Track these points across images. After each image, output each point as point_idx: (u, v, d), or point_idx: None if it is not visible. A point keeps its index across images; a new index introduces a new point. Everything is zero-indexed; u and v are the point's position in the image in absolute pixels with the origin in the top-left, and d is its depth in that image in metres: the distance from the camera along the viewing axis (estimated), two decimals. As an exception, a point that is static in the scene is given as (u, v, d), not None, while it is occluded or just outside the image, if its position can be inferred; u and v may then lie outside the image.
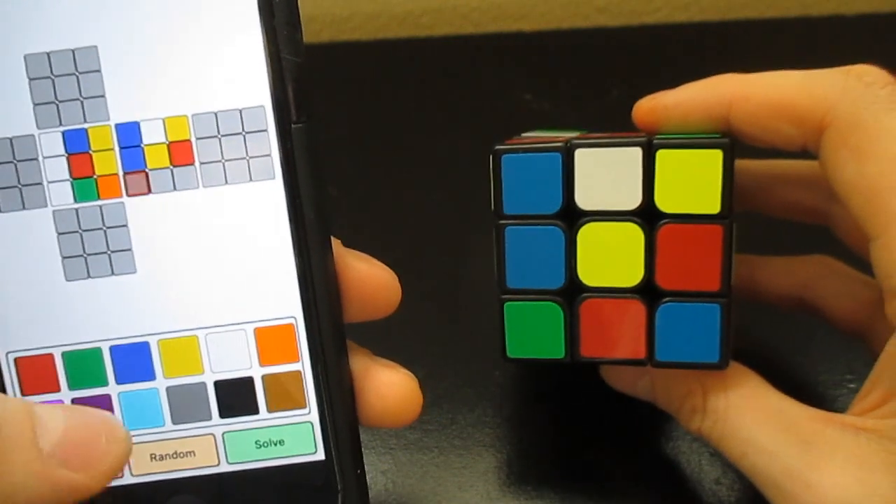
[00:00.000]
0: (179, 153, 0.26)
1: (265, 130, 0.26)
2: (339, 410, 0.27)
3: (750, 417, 0.28)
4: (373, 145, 0.52)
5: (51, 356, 0.27)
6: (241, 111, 0.26)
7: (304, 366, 0.27)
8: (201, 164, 0.26)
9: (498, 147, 0.29)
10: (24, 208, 0.26)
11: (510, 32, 0.62)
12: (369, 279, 0.27)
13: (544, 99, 0.54)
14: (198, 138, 0.26)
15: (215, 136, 0.26)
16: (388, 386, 0.27)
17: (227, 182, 0.26)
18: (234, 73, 0.26)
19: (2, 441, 0.20)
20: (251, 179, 0.26)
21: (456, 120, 0.53)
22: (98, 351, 0.27)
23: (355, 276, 0.27)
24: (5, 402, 0.21)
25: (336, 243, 0.27)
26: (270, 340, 0.27)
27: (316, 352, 0.27)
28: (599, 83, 0.54)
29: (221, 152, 0.26)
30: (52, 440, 0.21)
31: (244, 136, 0.26)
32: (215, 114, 0.26)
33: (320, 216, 0.26)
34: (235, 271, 0.26)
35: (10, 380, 0.27)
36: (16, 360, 0.27)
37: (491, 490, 0.34)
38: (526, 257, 0.29)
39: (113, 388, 0.27)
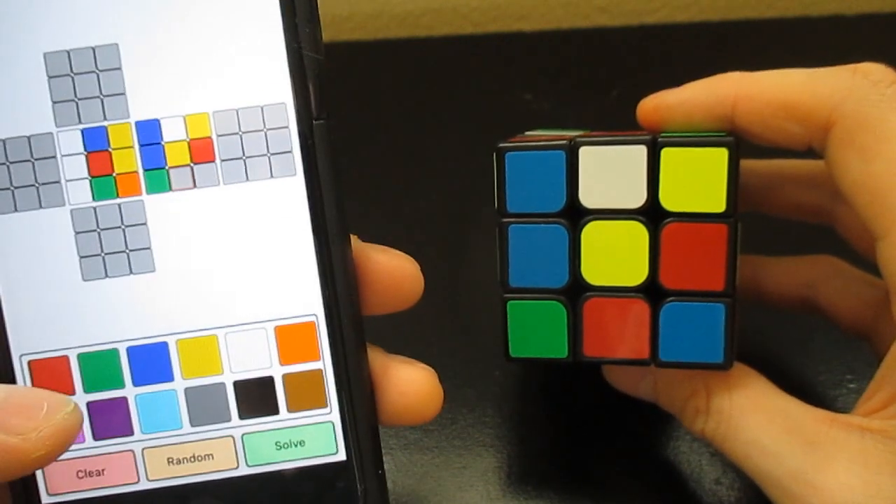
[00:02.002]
0: (200, 150, 0.26)
1: (286, 127, 0.26)
2: (360, 409, 0.27)
3: (754, 419, 0.28)
4: (372, 145, 0.51)
5: (66, 358, 0.26)
6: (262, 108, 0.26)
7: (325, 364, 0.27)
8: (222, 161, 0.26)
9: (502, 145, 0.29)
10: (41, 207, 0.26)
11: (510, 32, 0.62)
12: (391, 270, 0.27)
13: (544, 99, 0.54)
14: (219, 135, 0.26)
15: (236, 133, 0.26)
16: (409, 382, 0.27)
17: (247, 179, 0.26)
18: (256, 71, 0.25)
19: None
20: (272, 176, 0.26)
21: (456, 120, 0.53)
22: (115, 352, 0.26)
23: (376, 268, 0.27)
24: None
25: (354, 238, 0.27)
26: (291, 339, 0.27)
27: (337, 350, 0.26)
28: (599, 83, 0.54)
29: (242, 149, 0.26)
30: None
31: (265, 133, 0.26)
32: (236, 111, 0.26)
33: (340, 213, 0.26)
34: (256, 269, 0.26)
35: (23, 383, 0.26)
36: (29, 362, 0.26)
37: (491, 490, 0.34)
38: (529, 256, 0.29)
39: (129, 391, 0.27)
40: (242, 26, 0.25)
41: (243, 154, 0.26)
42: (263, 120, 0.26)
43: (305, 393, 0.27)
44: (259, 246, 0.26)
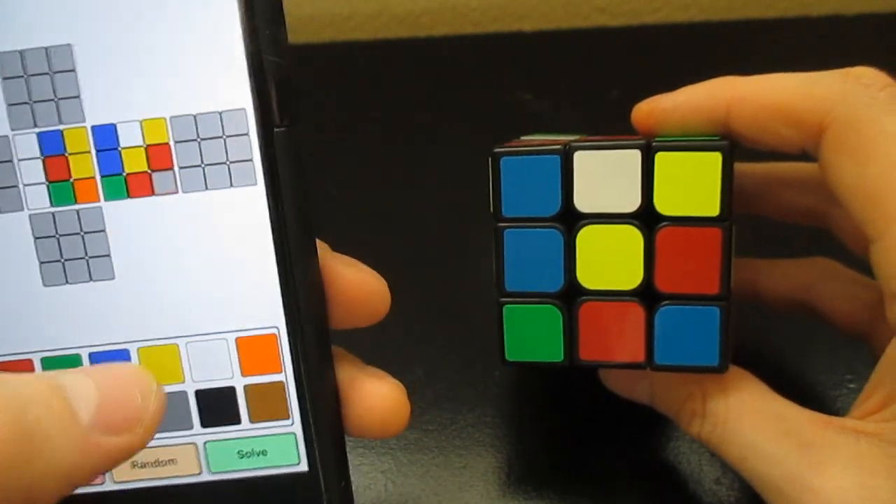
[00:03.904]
0: (158, 157, 0.25)
1: (246, 134, 0.25)
2: (323, 422, 0.26)
3: (749, 421, 0.28)
4: (372, 145, 0.52)
5: (30, 362, 0.26)
6: (221, 114, 0.25)
7: (287, 376, 0.26)
8: (180, 168, 0.25)
9: (497, 149, 0.29)
10: (0, 212, 0.25)
11: (510, 32, 0.62)
12: (357, 286, 0.27)
13: (544, 99, 0.54)
14: (176, 142, 0.25)
15: (194, 140, 0.25)
16: (375, 397, 0.27)
17: (207, 187, 0.25)
18: (214, 75, 0.25)
19: (43, 427, 0.20)
20: (232, 185, 0.25)
21: (456, 120, 0.53)
22: (77, 357, 0.26)
23: (342, 282, 0.27)
24: (32, 386, 0.20)
25: (324, 248, 0.27)
26: (252, 350, 0.26)
27: (299, 362, 0.26)
28: (599, 83, 0.54)
29: (201, 157, 0.25)
30: (89, 411, 0.20)
31: (224, 140, 0.25)
32: (194, 116, 0.25)
33: (304, 223, 0.25)
34: (216, 279, 0.26)
35: None
36: None
37: (491, 490, 0.34)
38: (525, 260, 0.29)
39: None
40: (201, 28, 0.24)
41: (202, 162, 0.25)
42: (222, 126, 0.25)
43: (267, 404, 0.26)
44: (220, 256, 0.26)
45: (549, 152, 0.28)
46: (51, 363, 0.26)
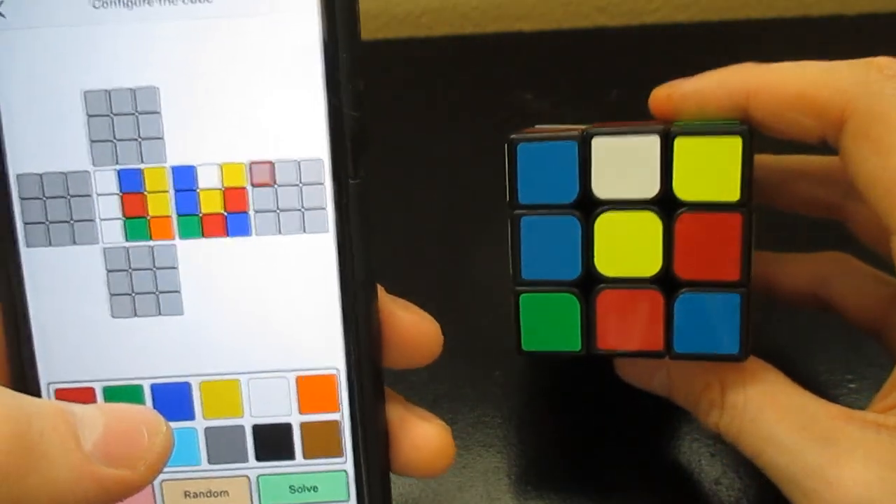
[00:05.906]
0: (234, 200, 0.26)
1: (322, 183, 0.26)
2: (374, 461, 0.27)
3: (769, 413, 0.28)
4: (372, 145, 0.51)
5: (91, 390, 0.27)
6: (299, 162, 0.26)
7: (343, 416, 0.27)
8: (255, 212, 0.26)
9: (513, 136, 0.29)
10: (74, 243, 0.26)
11: (510, 32, 0.62)
12: (412, 329, 0.28)
13: (544, 99, 0.54)
14: (254, 186, 0.26)
15: (271, 186, 0.26)
16: (424, 438, 0.28)
17: (280, 232, 0.26)
18: (295, 124, 0.25)
19: (44, 443, 0.20)
20: (304, 231, 0.26)
21: (456, 120, 0.53)
22: (139, 388, 0.27)
23: (399, 324, 0.27)
24: (41, 405, 0.21)
25: (380, 291, 0.27)
26: (312, 389, 0.27)
27: (356, 403, 0.27)
28: (599, 83, 0.54)
29: (276, 202, 0.26)
30: (93, 438, 0.21)
31: (300, 188, 0.26)
32: (273, 163, 0.26)
33: (369, 272, 0.26)
34: (282, 320, 0.27)
35: None
36: (56, 391, 0.27)
37: (491, 490, 0.33)
38: (541, 248, 0.29)
39: None
40: (284, 79, 0.25)
41: (277, 207, 0.26)
42: (299, 175, 0.26)
43: (322, 441, 0.27)
44: (286, 298, 0.26)
45: (567, 138, 0.28)
46: (112, 392, 0.27)
